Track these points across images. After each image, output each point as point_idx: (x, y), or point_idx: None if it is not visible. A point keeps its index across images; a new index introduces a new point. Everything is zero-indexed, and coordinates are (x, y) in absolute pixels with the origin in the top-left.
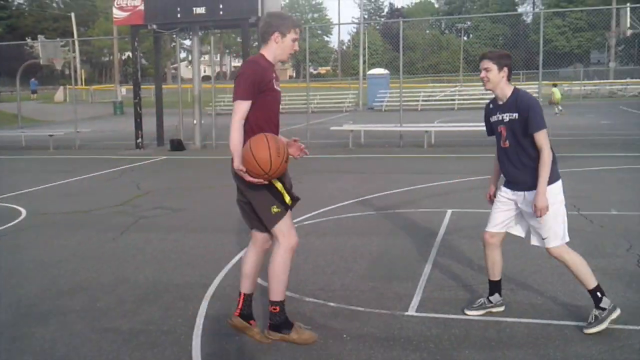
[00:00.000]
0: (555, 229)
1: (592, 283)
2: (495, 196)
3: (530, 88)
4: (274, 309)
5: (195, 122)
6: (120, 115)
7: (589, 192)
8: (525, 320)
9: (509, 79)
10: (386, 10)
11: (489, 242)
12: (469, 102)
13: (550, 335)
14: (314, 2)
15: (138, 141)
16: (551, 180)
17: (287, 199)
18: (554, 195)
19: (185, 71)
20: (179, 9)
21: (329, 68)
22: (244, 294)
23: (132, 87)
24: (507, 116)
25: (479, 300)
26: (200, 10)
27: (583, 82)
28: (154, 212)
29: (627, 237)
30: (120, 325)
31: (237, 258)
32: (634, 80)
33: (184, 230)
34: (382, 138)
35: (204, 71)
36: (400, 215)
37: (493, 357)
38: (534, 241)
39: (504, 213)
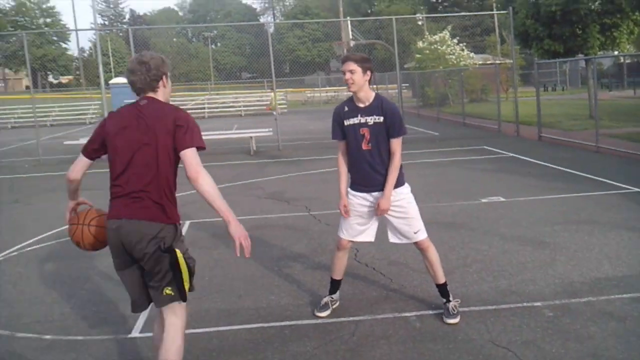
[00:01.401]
0: (421, 223)
1: (443, 277)
2: (348, 206)
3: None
4: None
5: None
6: None
7: (316, 192)
8: (249, 326)
9: (370, 83)
10: (127, 16)
11: (345, 247)
12: (219, 110)
13: (271, 337)
14: (44, 6)
15: None
16: (402, 182)
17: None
18: (409, 194)
19: None
20: None
21: (71, 77)
22: None
23: None
24: (371, 119)
25: (325, 300)
26: None
27: (323, 88)
28: None
29: None
30: None
31: None
32: (371, 86)
33: None
34: None
35: None
36: None
37: None
38: (394, 239)
39: (361, 224)
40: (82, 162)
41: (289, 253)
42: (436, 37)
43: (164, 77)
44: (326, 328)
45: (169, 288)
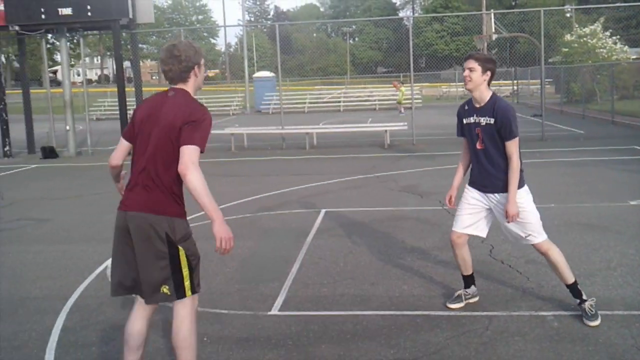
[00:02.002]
0: (537, 227)
1: (571, 278)
2: (453, 198)
3: (411, 89)
4: None
5: (68, 128)
6: None
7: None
8: (382, 313)
9: (489, 84)
10: (272, 13)
11: (456, 242)
12: (354, 103)
13: (403, 325)
14: (198, 4)
15: (6, 149)
16: (523, 183)
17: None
18: (526, 197)
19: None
20: (42, 9)
21: (217, 71)
22: None
23: None
24: (484, 120)
25: (458, 292)
26: (67, 11)
27: (460, 83)
28: (17, 223)
29: None
30: None
31: (101, 268)
32: (506, 81)
33: (48, 242)
34: (266, 141)
35: (86, 75)
36: (273, 217)
37: (347, 349)
38: (505, 237)
39: (471, 216)
40: (122, 147)
41: (422, 246)
42: (586, 30)
43: (195, 67)
44: (459, 320)
45: (166, 287)
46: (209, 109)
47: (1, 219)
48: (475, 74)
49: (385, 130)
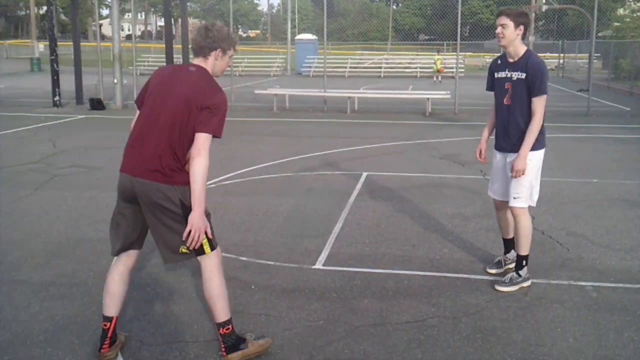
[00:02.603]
0: (526, 192)
1: (525, 250)
2: (483, 152)
3: (452, 59)
4: (226, 330)
5: (115, 81)
6: (38, 72)
7: (492, 157)
8: (423, 273)
9: (523, 38)
10: None
11: (496, 204)
12: (395, 70)
13: (444, 286)
14: None
15: (55, 99)
16: (538, 147)
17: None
18: (537, 160)
19: (109, 29)
20: None
21: (259, 31)
22: (116, 318)
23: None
24: (515, 75)
25: (498, 258)
26: None
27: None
28: (69, 170)
29: None
30: (31, 277)
31: None
32: (552, 54)
33: (100, 189)
34: (307, 103)
35: (129, 30)
36: (316, 177)
37: (389, 305)
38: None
39: (500, 183)
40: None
41: (463, 212)
42: None
43: (219, 49)
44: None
45: (184, 247)
46: (250, 69)
47: (54, 165)
48: (508, 29)
49: (428, 98)
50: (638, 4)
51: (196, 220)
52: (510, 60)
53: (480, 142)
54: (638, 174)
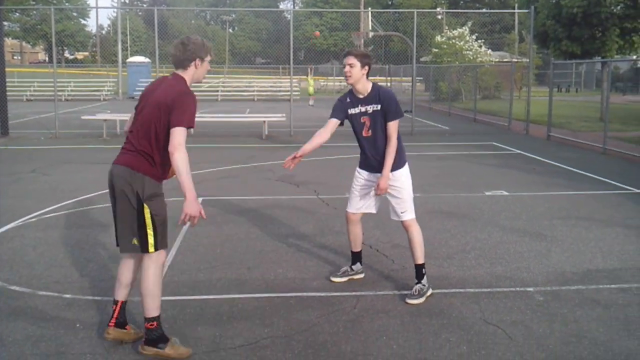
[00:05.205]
0: (410, 205)
1: (421, 259)
2: (296, 160)
3: (285, 82)
4: (151, 325)
5: None
6: None
7: (326, 178)
8: (257, 295)
9: (367, 76)
10: None
11: (351, 219)
12: (232, 93)
13: (277, 306)
14: None
15: None
16: (402, 164)
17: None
18: (406, 176)
19: None
20: None
21: (87, 53)
22: (121, 302)
23: None
24: (371, 107)
25: (343, 269)
26: None
27: (337, 77)
28: None
29: None
30: None
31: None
32: (381, 78)
33: None
34: None
35: None
36: None
37: (223, 330)
38: (393, 216)
39: (362, 197)
40: (131, 117)
41: (297, 232)
42: (455, 33)
43: (197, 59)
44: (329, 300)
45: (136, 239)
46: (77, 93)
47: None
48: (355, 69)
49: (264, 121)
50: (454, 32)
51: (188, 206)
52: (360, 96)
53: (299, 150)
54: (454, 188)
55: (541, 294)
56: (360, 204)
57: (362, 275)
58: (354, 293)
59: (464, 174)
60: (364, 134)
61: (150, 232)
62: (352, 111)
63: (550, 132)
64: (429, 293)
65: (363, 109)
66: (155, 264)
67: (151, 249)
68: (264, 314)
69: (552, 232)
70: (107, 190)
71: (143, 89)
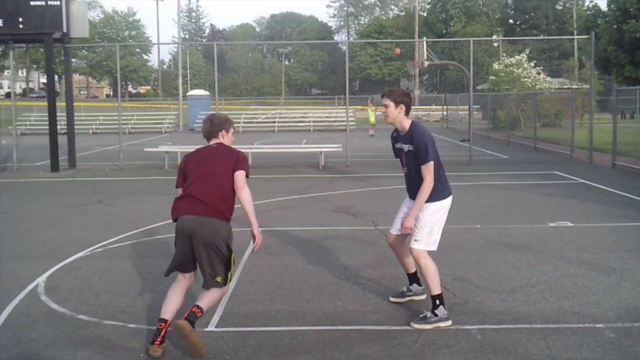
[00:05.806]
0: (427, 237)
1: (435, 290)
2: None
3: (341, 112)
4: (198, 314)
5: None
6: None
7: (384, 208)
8: (317, 328)
9: (406, 114)
10: (207, 31)
11: (391, 243)
12: (288, 124)
13: (337, 340)
14: (131, 20)
15: None
16: (435, 199)
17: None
18: (435, 210)
19: None
20: None
21: (149, 87)
22: (169, 322)
23: None
24: (406, 147)
25: (402, 289)
26: None
27: None
28: None
29: None
30: None
31: (32, 285)
32: (436, 107)
33: None
34: None
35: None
36: None
37: None
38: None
39: (400, 219)
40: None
41: (356, 263)
42: (512, 60)
43: (223, 130)
44: (390, 334)
45: (220, 277)
46: (140, 126)
47: None
48: (390, 109)
49: (320, 152)
50: (510, 60)
51: (259, 231)
52: (402, 133)
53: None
54: (515, 219)
55: (612, 330)
56: (395, 223)
57: (423, 297)
58: (415, 327)
59: (526, 204)
60: (405, 169)
61: (232, 271)
62: (397, 145)
63: (616, 161)
64: (443, 324)
65: (402, 146)
66: (217, 295)
67: (228, 282)
68: (324, 347)
69: (622, 265)
70: (171, 222)
71: (201, 122)
